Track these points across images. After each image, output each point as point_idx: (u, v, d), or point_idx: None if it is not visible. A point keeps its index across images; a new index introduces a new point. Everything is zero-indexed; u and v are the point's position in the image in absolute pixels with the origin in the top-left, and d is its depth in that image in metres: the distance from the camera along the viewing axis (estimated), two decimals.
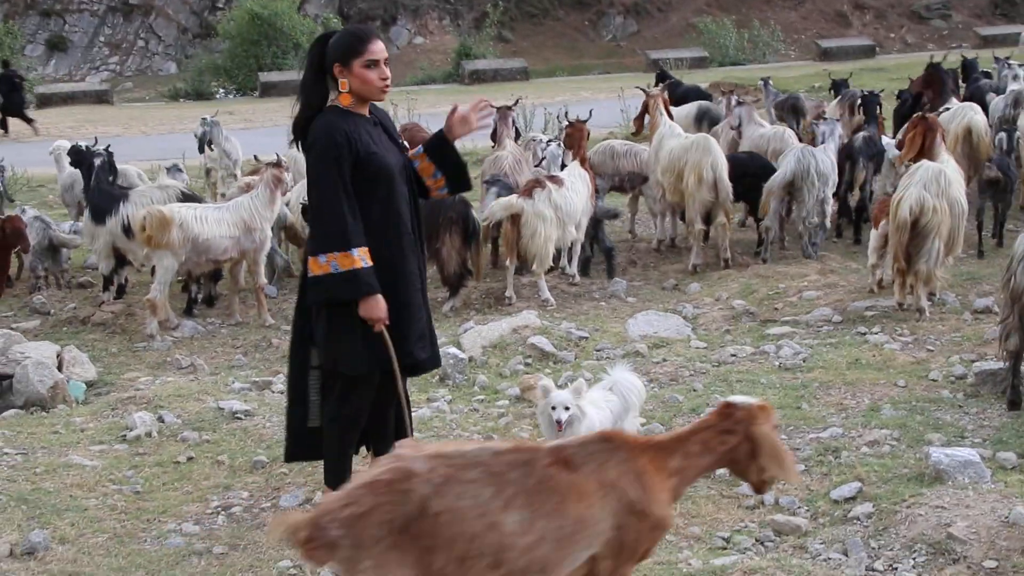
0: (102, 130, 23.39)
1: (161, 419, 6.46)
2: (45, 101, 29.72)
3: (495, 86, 29.81)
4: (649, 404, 6.29)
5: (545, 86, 28.16)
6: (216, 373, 7.67)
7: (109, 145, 10.04)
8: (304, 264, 4.90)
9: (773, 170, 9.78)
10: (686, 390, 6.62)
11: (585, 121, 9.56)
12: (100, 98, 31.00)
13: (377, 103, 4.89)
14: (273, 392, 7.09)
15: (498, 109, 10.16)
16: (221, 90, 32.73)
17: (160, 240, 8.24)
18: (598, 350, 7.68)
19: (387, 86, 4.78)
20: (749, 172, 9.92)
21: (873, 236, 8.36)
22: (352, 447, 5.12)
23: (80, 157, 9.48)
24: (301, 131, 4.80)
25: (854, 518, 4.82)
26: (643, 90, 10.84)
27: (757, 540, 4.80)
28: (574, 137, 9.36)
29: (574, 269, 9.48)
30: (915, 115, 8.58)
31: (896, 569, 4.40)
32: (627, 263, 10.22)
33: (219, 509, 5.29)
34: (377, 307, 4.66)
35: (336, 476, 5.03)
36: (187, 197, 9.35)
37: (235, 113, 26.79)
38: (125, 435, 6.26)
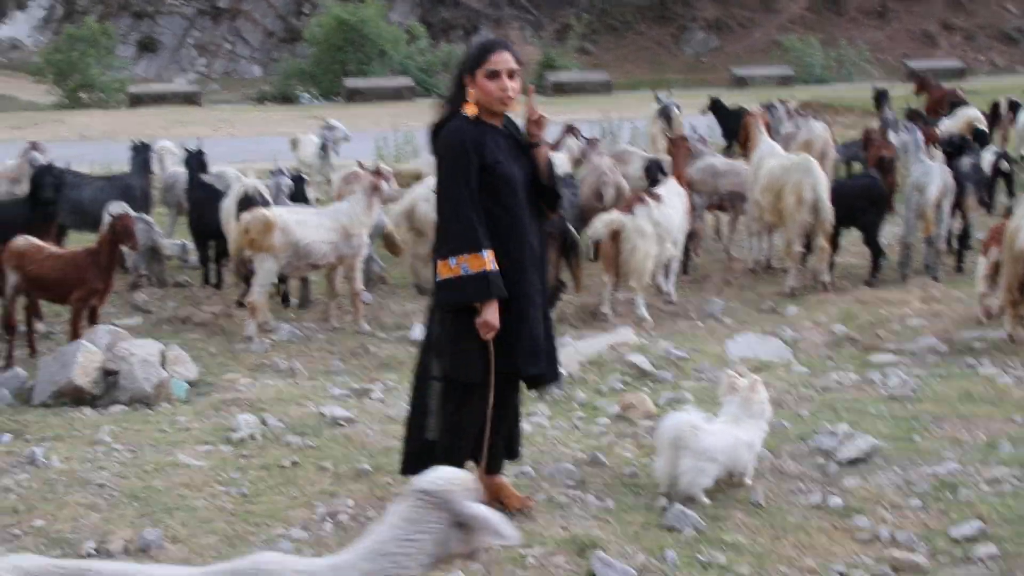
0: (191, 131, 23.82)
1: (264, 422, 6.50)
2: (136, 101, 30.31)
3: (578, 98, 29.83)
4: None
5: (628, 100, 28.03)
6: (314, 378, 7.71)
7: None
8: (433, 269, 4.91)
9: (882, 193, 9.61)
10: (792, 416, 6.50)
11: (686, 138, 9.50)
12: (189, 99, 31.55)
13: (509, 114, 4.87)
14: (372, 399, 7.11)
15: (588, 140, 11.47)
16: (306, 95, 33.09)
17: (262, 243, 8.31)
18: (697, 371, 7.59)
19: (508, 97, 4.74)
20: (857, 196, 9.73)
21: (982, 263, 8.17)
22: (465, 460, 5.08)
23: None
24: (435, 136, 4.86)
25: (977, 559, 4.67)
26: (744, 110, 10.75)
27: None
28: (675, 153, 9.29)
29: (670, 287, 9.40)
30: None
31: None
32: (722, 283, 10.12)
33: (326, 516, 5.28)
34: (495, 313, 4.68)
35: (491, 458, 5.07)
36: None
37: (320, 118, 27.12)
38: (229, 436, 6.30)
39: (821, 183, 9.52)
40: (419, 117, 25.65)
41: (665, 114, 13.79)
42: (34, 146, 11.77)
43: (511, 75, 4.70)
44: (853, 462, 5.69)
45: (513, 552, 4.78)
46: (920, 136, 9.90)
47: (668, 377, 7.44)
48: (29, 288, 8.06)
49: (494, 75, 4.68)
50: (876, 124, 14.44)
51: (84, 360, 7.21)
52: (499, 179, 4.75)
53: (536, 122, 4.85)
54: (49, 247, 8.26)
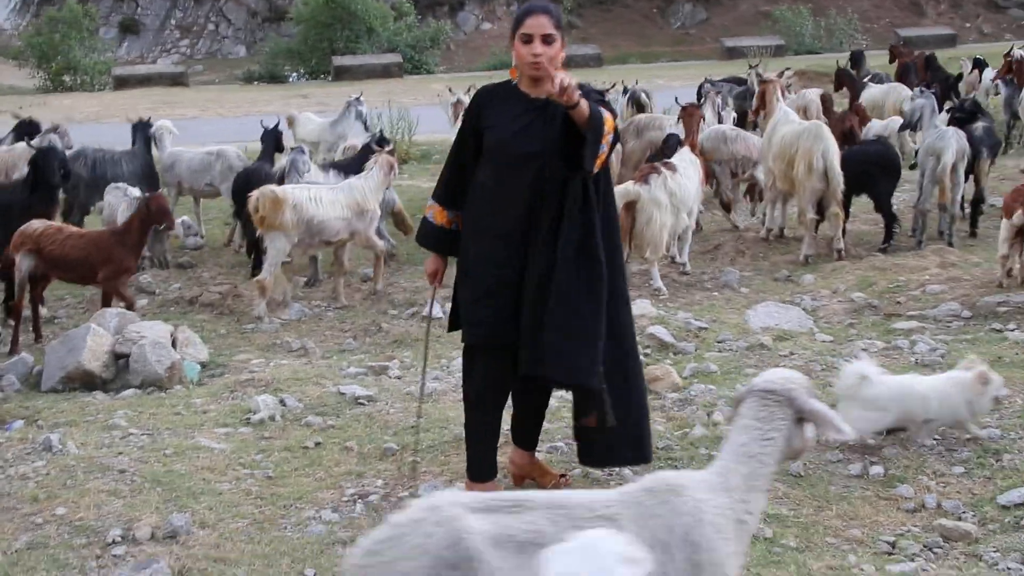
0: (179, 112, 23.61)
1: (283, 403, 6.35)
2: (122, 83, 29.98)
3: (571, 72, 29.61)
4: None
5: (618, 73, 27.82)
6: (327, 357, 7.55)
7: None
8: None
9: (894, 160, 9.47)
10: (822, 385, 6.37)
11: (698, 106, 9.34)
12: (176, 80, 31.26)
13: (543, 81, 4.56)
14: (390, 377, 6.96)
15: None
16: (294, 74, 32.81)
17: (273, 221, 8.14)
18: (719, 342, 7.45)
19: (536, 62, 4.45)
20: (868, 162, 9.59)
21: (1004, 226, 8.02)
22: (485, 435, 4.89)
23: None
24: None
25: None
26: (760, 75, 10.60)
27: (925, 546, 4.55)
28: (688, 122, 9.13)
29: (685, 257, 9.26)
30: None
31: None
32: (735, 252, 9.98)
33: (355, 497, 5.13)
34: (428, 262, 5.02)
35: (473, 466, 4.89)
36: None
37: (310, 96, 26.86)
38: (248, 418, 6.15)
39: (832, 150, 9.37)
40: (410, 93, 25.49)
41: (634, 100, 13.64)
42: (55, 128, 11.60)
43: (545, 40, 4.48)
44: (891, 431, 5.56)
45: None
46: (934, 102, 9.76)
47: (690, 348, 7.30)
48: (49, 270, 7.89)
49: (527, 39, 4.47)
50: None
51: (93, 344, 7.05)
52: (490, 144, 4.60)
53: (560, 91, 4.42)
54: (68, 227, 8.12)
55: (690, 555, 2.90)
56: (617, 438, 4.72)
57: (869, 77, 17.19)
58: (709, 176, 10.14)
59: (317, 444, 5.76)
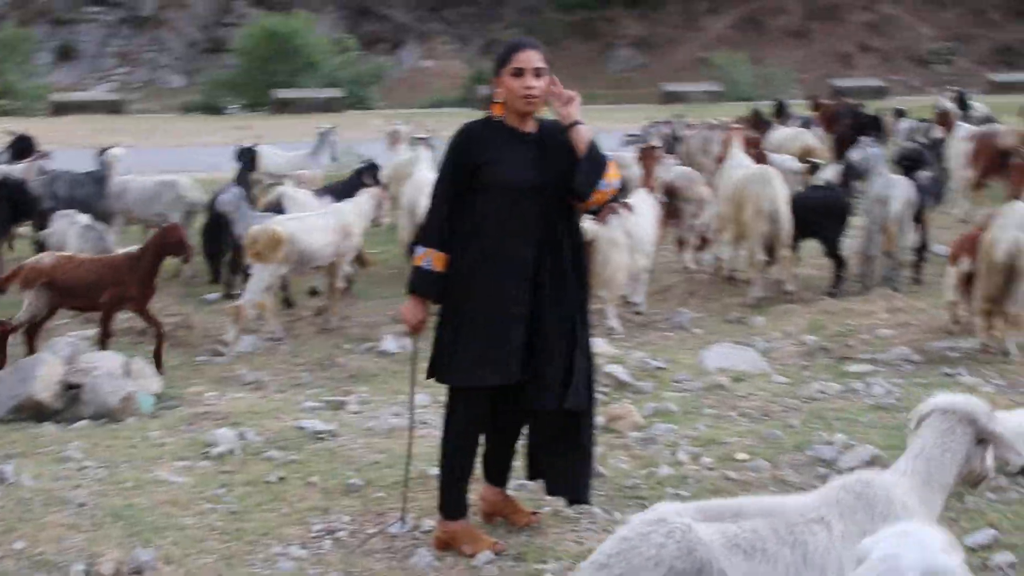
0: (117, 139, 23.28)
1: (243, 436, 6.25)
2: (60, 109, 29.55)
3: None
4: (751, 439, 6.14)
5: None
6: (283, 391, 7.47)
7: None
8: None
9: (843, 205, 9.66)
10: (783, 426, 6.44)
11: (656, 147, 9.46)
12: (113, 108, 30.89)
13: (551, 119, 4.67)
14: (348, 412, 6.89)
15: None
16: (233, 105, 32.61)
17: (268, 257, 8.18)
18: (676, 381, 7.50)
19: (531, 96, 4.53)
20: (818, 207, 9.78)
21: (951, 273, 8.20)
22: (463, 475, 4.87)
23: None
24: None
25: (996, 567, 4.64)
26: (721, 124, 10.80)
27: None
28: (647, 162, 9.24)
29: (640, 298, 9.33)
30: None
31: None
32: (686, 294, 10.08)
33: (323, 533, 5.06)
34: (410, 310, 4.71)
35: (448, 504, 4.85)
36: None
37: (250, 128, 26.69)
38: (208, 452, 6.04)
39: (780, 194, 9.54)
40: (351, 128, 25.43)
41: None
42: (42, 155, 11.60)
43: (537, 74, 4.54)
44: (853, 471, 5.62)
45: (528, 568, 4.63)
46: (880, 151, 9.99)
47: (648, 388, 7.33)
48: (62, 300, 7.79)
49: (519, 73, 4.52)
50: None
51: (45, 373, 6.90)
52: (490, 180, 4.57)
53: (566, 102, 4.57)
54: (79, 256, 8.11)
55: None
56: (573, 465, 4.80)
57: (801, 123, 17.84)
58: (672, 215, 10.24)
59: (280, 479, 5.67)
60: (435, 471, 5.23)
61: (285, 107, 30.67)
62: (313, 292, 10.08)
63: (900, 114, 19.38)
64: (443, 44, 49.04)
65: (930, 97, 32.55)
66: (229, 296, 9.51)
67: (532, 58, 4.50)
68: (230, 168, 12.68)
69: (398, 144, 13.24)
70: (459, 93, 35.27)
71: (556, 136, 4.60)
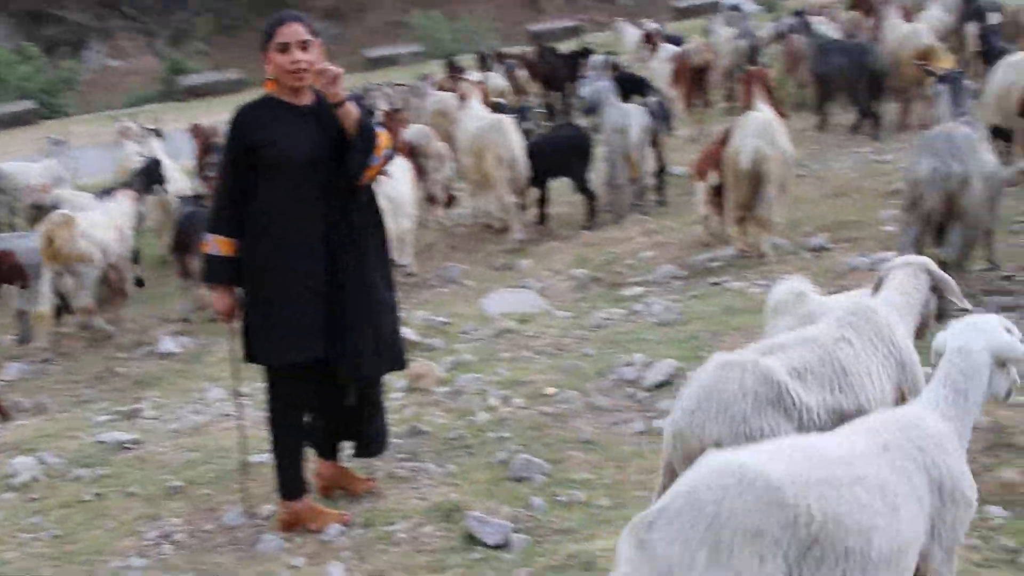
0: None
1: (42, 461, 5.85)
2: None
3: (215, 100, 28.94)
4: (554, 374, 6.30)
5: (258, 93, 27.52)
6: (68, 410, 7.05)
7: None
8: None
9: (587, 143, 10.03)
10: (580, 356, 6.65)
11: (400, 109, 9.48)
12: None
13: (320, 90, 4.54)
14: (146, 419, 6.59)
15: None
16: None
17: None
18: (463, 333, 7.59)
19: (298, 69, 4.45)
20: (563, 146, 10.09)
21: (700, 188, 8.65)
22: (296, 454, 4.79)
23: None
24: None
25: None
26: (465, 79, 10.93)
27: None
28: (392, 125, 9.24)
29: (408, 259, 9.35)
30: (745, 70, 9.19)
31: None
32: (449, 248, 10.19)
33: (159, 539, 4.83)
34: (218, 299, 4.62)
35: (286, 485, 4.75)
36: None
37: None
38: (10, 482, 5.62)
39: (515, 141, 9.85)
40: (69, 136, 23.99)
41: None
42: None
43: (304, 47, 4.44)
44: (659, 386, 5.91)
45: (379, 531, 4.61)
46: (611, 84, 10.37)
47: (440, 344, 7.38)
48: None
49: (284, 48, 4.41)
50: None
51: None
52: (269, 158, 4.47)
53: (330, 81, 4.43)
54: None
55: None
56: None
57: (505, 69, 18.45)
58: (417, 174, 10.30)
59: (97, 495, 5.35)
60: (258, 459, 5.14)
61: None
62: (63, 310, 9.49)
63: (587, 52, 18.90)
64: (129, 40, 46.79)
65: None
66: None
67: (297, 31, 4.40)
68: None
69: (127, 139, 12.74)
70: (159, 87, 33.89)
71: (323, 106, 4.53)
